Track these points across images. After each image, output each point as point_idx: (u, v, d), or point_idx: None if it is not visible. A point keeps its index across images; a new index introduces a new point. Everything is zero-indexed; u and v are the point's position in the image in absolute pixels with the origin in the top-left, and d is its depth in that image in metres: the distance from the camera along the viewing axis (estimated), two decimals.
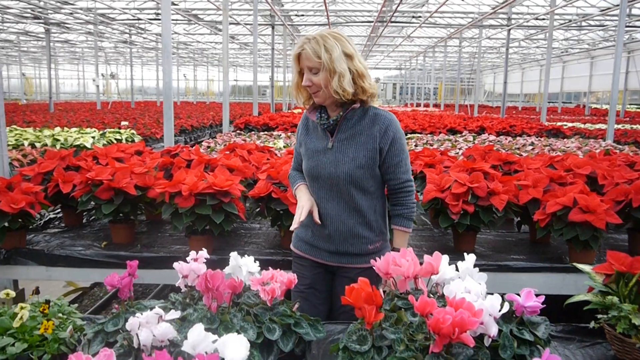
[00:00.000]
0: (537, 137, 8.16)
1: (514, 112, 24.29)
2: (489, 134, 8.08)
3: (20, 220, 2.70)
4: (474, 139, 7.40)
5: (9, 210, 2.59)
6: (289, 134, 7.70)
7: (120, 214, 2.89)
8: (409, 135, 7.68)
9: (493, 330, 1.35)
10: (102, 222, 3.38)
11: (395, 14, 14.13)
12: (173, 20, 17.07)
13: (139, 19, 16.07)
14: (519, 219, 3.09)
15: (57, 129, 8.01)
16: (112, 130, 7.75)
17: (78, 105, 22.71)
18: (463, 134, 8.26)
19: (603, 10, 14.36)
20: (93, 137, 6.70)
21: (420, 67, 31.89)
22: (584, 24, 16.68)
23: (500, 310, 1.37)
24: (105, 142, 6.85)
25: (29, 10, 14.92)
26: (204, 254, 1.68)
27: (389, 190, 2.00)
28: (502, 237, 3.17)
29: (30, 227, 2.96)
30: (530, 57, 29.83)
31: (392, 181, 1.95)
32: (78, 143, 6.36)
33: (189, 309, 1.52)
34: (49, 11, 15.22)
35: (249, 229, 3.22)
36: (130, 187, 2.77)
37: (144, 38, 22.31)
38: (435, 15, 15.58)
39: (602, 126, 12.05)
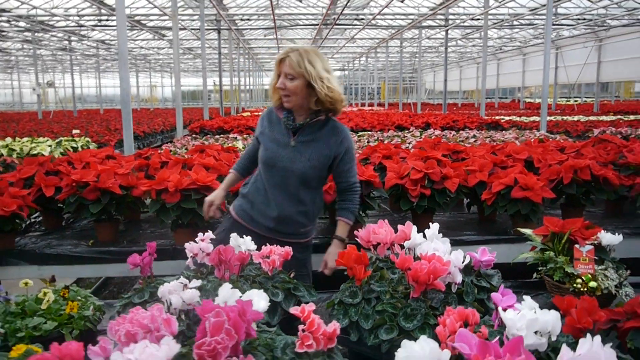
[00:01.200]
0: (478, 130, 8.72)
1: (454, 108, 25.32)
2: (434, 129, 8.57)
3: (11, 223, 2.85)
4: (421, 134, 7.84)
5: (2, 213, 2.74)
6: (245, 135, 7.92)
7: (104, 214, 3.07)
8: (360, 133, 8.05)
9: (458, 278, 1.68)
10: (82, 223, 3.54)
11: (338, 17, 14.56)
12: (109, 26, 16.87)
13: (81, 26, 15.81)
14: (468, 200, 3.48)
15: (8, 139, 7.91)
16: (67, 138, 7.73)
17: (17, 115, 21.94)
18: (410, 130, 8.72)
19: (532, 10, 15.31)
20: (50, 146, 6.71)
21: (364, 67, 32.61)
22: (515, 23, 17.66)
23: (463, 262, 1.70)
24: (62, 151, 6.86)
25: None
26: (210, 234, 1.94)
27: (339, 190, 2.39)
28: (455, 217, 3.56)
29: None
30: (468, 56, 31.08)
31: (343, 183, 2.34)
32: (35, 152, 6.37)
33: (203, 281, 1.77)
34: None
35: None
36: (115, 187, 2.96)
37: (87, 45, 21.83)
38: (377, 17, 16.13)
39: (536, 118, 12.87)
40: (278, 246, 1.97)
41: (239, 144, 6.40)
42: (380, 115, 12.11)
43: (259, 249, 2.39)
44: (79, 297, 1.97)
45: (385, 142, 6.74)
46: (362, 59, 30.82)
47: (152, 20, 17.94)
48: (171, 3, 9.15)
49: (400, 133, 8.18)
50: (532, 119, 13.16)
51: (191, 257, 1.91)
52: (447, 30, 15.72)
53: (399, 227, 1.92)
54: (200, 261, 1.90)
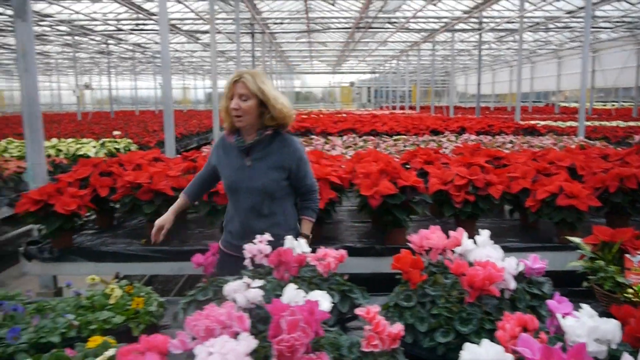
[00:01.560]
0: (514, 136, 8.65)
1: (487, 112, 25.03)
2: (469, 134, 8.54)
3: (70, 221, 2.99)
4: (457, 139, 7.84)
5: (63, 212, 2.88)
6: None
7: (156, 214, 3.19)
8: (395, 137, 8.08)
9: (512, 284, 1.72)
10: (132, 223, 3.68)
11: (370, 21, 14.61)
12: (152, 30, 17.26)
13: (120, 30, 16.21)
14: (510, 207, 3.50)
15: (54, 140, 8.19)
16: (109, 140, 7.97)
17: (57, 116, 22.60)
18: (445, 134, 8.71)
19: (569, 12, 15.07)
20: (94, 147, 6.93)
21: (394, 70, 32.53)
22: (550, 25, 17.40)
23: (516, 269, 1.74)
24: (106, 152, 7.08)
25: (8, 24, 14.94)
26: (267, 236, 2.02)
27: (299, 194, 2.47)
28: (497, 224, 3.57)
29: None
30: (501, 59, 30.70)
31: (302, 188, 2.44)
32: (81, 153, 6.59)
33: (263, 281, 1.85)
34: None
35: None
36: (167, 189, 3.09)
37: (124, 48, 22.37)
38: (400, 20, 16.11)
39: (573, 123, 12.66)
40: (329, 250, 2.07)
41: None
42: (414, 119, 12.10)
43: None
44: (142, 294, 2.07)
45: (421, 146, 6.77)
46: (393, 61, 30.74)
47: (186, 24, 18.26)
48: (209, 7, 9.34)
49: (435, 137, 8.18)
50: (568, 124, 12.95)
51: (249, 258, 2.00)
52: (480, 34, 15.59)
53: (450, 233, 1.97)
54: (259, 262, 1.98)
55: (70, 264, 3.05)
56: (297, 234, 2.47)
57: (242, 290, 1.68)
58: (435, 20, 18.04)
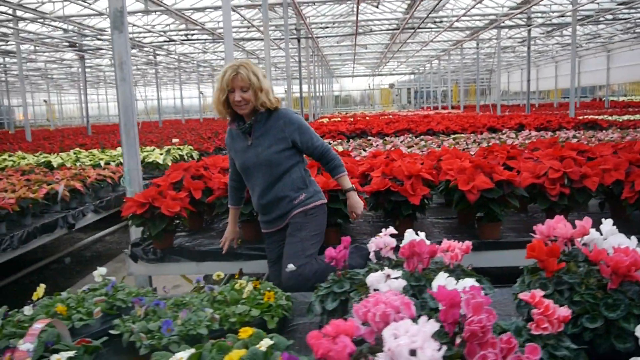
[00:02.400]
0: (575, 130, 8.47)
1: (532, 109, 24.52)
2: (529, 131, 8.41)
3: (172, 223, 3.11)
4: (517, 136, 7.73)
5: (168, 214, 3.00)
6: (338, 140, 8.10)
7: (251, 216, 3.28)
8: (454, 136, 8.03)
9: None
10: (219, 225, 3.79)
11: (414, 21, 14.55)
12: (199, 40, 17.66)
13: (171, 41, 16.66)
14: (600, 199, 3.45)
15: (119, 149, 8.48)
16: (173, 147, 8.20)
17: (108, 127, 23.33)
18: (503, 131, 8.60)
19: (621, 3, 14.64)
20: (161, 154, 7.15)
21: (435, 70, 32.26)
22: (601, 18, 16.95)
23: None
24: (172, 158, 7.29)
25: (65, 39, 15.56)
26: (391, 230, 2.07)
27: (316, 160, 2.75)
28: (590, 217, 3.51)
29: None
30: (546, 54, 30.03)
31: (314, 154, 2.69)
32: (150, 160, 6.81)
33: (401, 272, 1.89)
34: (87, 38, 15.86)
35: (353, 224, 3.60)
36: None
37: (172, 58, 22.93)
38: (453, 19, 15.96)
39: (630, 117, 12.31)
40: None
41: (340, 148, 6.57)
42: (467, 117, 12.00)
43: (280, 245, 2.73)
44: (268, 288, 2.15)
45: (484, 144, 6.71)
46: (434, 62, 30.49)
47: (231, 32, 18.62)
48: (262, 16, 9.50)
49: (494, 135, 8.09)
50: (624, 117, 12.58)
51: (374, 251, 2.04)
52: (529, 30, 15.32)
53: (577, 222, 1.97)
54: (384, 255, 2.03)
55: (173, 264, 3.17)
56: (308, 193, 2.68)
57: (381, 281, 1.74)
58: (480, 17, 17.85)
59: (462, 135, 8.23)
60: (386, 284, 1.69)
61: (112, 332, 1.90)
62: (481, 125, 9.27)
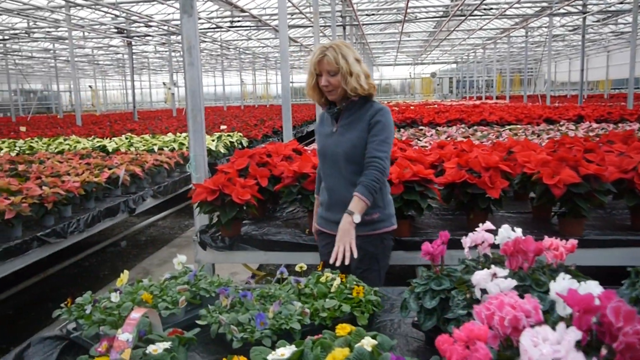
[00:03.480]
0: None
1: (583, 100, 23.66)
2: (589, 122, 8.07)
3: (242, 211, 3.06)
4: (576, 128, 7.43)
5: (239, 201, 2.95)
6: None
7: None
8: (510, 127, 7.79)
9: None
10: (283, 214, 3.73)
11: (464, 8, 14.17)
12: (243, 27, 17.66)
13: (218, 27, 16.71)
14: None
15: (170, 134, 8.56)
16: (224, 134, 8.22)
17: (153, 113, 23.73)
18: (561, 123, 8.29)
19: None
20: (213, 141, 7.16)
21: (480, 59, 31.50)
22: None
23: None
24: (223, 145, 7.30)
25: (114, 25, 15.81)
26: (488, 225, 1.95)
27: (364, 163, 2.29)
28: None
29: None
30: (598, 44, 28.93)
31: (366, 156, 2.26)
32: None
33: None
34: (135, 25, 16.08)
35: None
36: None
37: (215, 45, 23.06)
38: (501, 6, 15.48)
39: None
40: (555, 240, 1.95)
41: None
42: (520, 108, 11.65)
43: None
44: (354, 283, 2.06)
45: (543, 136, 6.47)
46: (479, 50, 29.77)
47: (274, 19, 18.55)
48: (312, 2, 9.38)
49: (551, 126, 7.80)
50: None
51: (469, 247, 1.93)
52: (584, 17, 14.73)
53: None
54: (483, 252, 1.91)
55: (240, 252, 3.13)
56: (382, 215, 2.35)
57: (489, 280, 1.63)
58: (531, 4, 17.26)
59: (518, 126, 7.96)
60: (494, 284, 1.58)
61: (198, 322, 1.86)
62: (537, 116, 8.95)
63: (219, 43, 21.19)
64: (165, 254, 5.55)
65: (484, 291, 1.64)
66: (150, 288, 2.05)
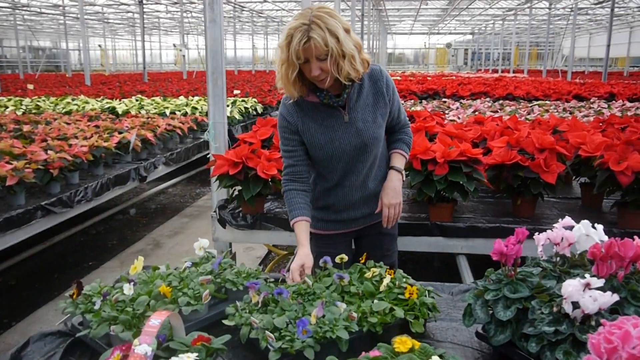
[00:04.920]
0: None
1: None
2: (622, 100, 7.67)
3: (267, 186, 2.77)
4: (609, 106, 7.04)
5: (264, 176, 2.66)
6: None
7: None
8: (537, 102, 7.41)
9: None
10: None
11: None
12: None
13: None
14: None
15: (182, 98, 8.23)
16: (239, 99, 7.88)
17: (163, 75, 23.30)
18: (592, 100, 7.89)
19: None
20: (228, 106, 6.83)
21: (498, 31, 30.65)
22: None
23: None
24: (237, 110, 6.98)
25: None
26: (568, 220, 1.65)
27: (394, 131, 2.05)
28: None
29: None
30: (622, 19, 28.05)
31: (397, 125, 2.04)
32: None
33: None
34: None
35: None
36: None
37: (231, 5, 22.43)
38: None
39: None
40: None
41: (417, 108, 6.10)
42: (546, 83, 11.21)
43: (348, 250, 2.08)
44: (404, 281, 1.79)
45: (579, 115, 6.11)
46: (498, 21, 28.93)
47: None
48: None
49: (582, 103, 7.42)
50: None
51: (542, 245, 1.64)
52: None
53: None
54: (560, 252, 1.62)
55: (263, 232, 2.85)
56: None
57: (582, 290, 1.34)
58: None
59: (547, 102, 7.57)
60: (590, 298, 1.30)
61: (225, 322, 1.59)
62: (566, 92, 8.54)
63: (233, 4, 20.58)
64: (177, 224, 5.30)
65: (574, 304, 1.36)
66: (169, 278, 1.78)
